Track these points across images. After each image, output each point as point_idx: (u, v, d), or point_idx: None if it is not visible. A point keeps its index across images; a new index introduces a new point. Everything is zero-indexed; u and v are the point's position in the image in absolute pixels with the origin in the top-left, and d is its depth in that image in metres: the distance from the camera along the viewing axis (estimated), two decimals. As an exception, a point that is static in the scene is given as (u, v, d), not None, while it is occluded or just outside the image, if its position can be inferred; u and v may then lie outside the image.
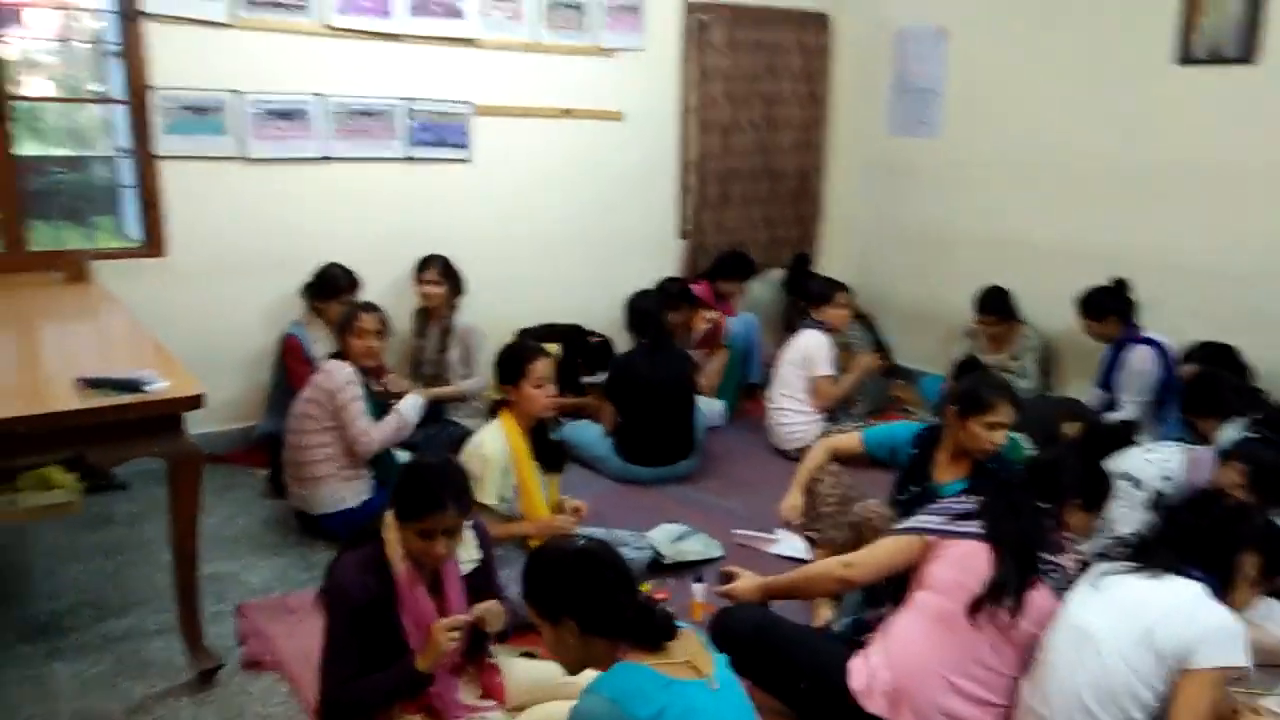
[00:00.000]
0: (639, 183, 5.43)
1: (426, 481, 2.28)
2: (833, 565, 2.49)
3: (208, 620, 2.84)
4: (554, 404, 3.25)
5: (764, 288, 6.02)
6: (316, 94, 4.39)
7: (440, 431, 4.38)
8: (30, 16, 4.12)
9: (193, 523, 2.59)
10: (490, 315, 4.80)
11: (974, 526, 2.33)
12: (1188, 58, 4.33)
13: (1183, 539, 2.21)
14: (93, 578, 3.27)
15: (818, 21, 5.82)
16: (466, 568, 2.47)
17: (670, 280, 5.06)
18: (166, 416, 2.48)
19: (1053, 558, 2.33)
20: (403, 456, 3.99)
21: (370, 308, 3.70)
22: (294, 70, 4.34)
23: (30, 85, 4.20)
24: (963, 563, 2.30)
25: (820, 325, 4.72)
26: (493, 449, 3.06)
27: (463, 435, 4.43)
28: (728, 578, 2.69)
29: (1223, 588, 2.16)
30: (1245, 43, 4.11)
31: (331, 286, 4.24)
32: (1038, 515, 2.38)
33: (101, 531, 3.60)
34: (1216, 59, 4.22)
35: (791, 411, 4.64)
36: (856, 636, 2.53)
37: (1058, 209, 4.99)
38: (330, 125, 4.45)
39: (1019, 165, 5.14)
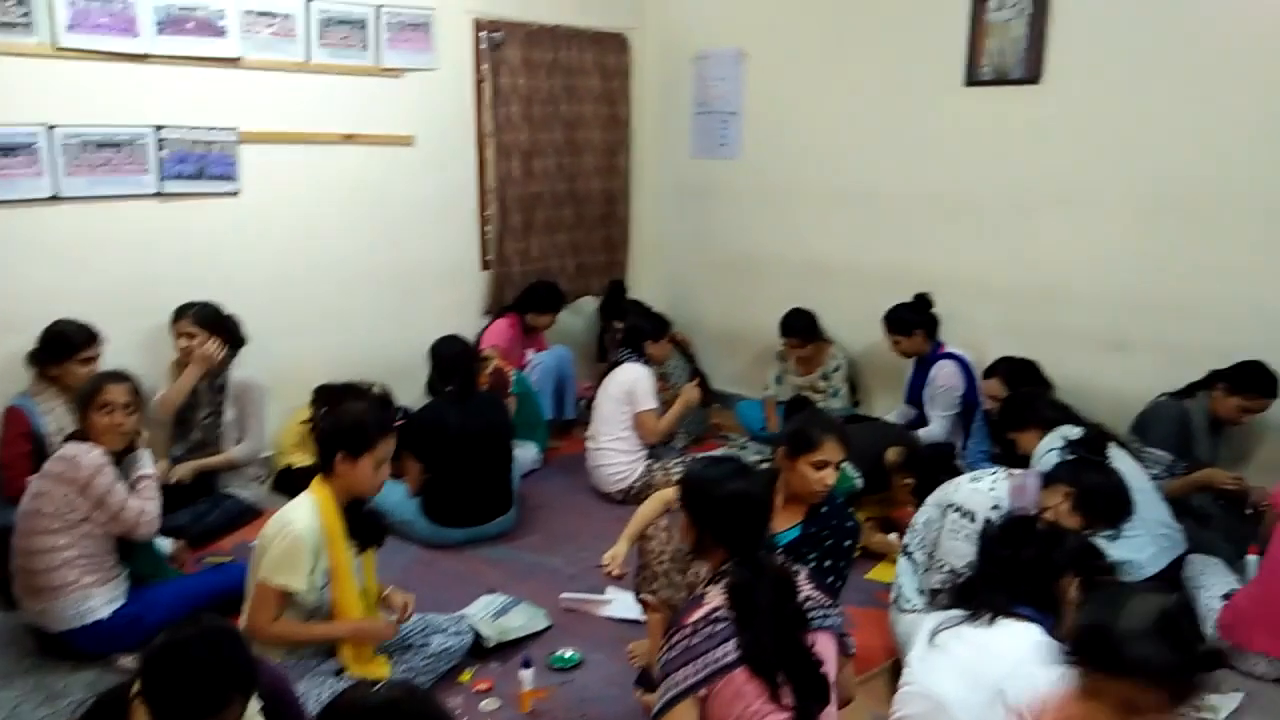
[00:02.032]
0: (435, 212, 5.03)
1: (195, 685, 1.65)
2: None
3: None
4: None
5: (575, 318, 5.77)
6: (44, 124, 3.74)
7: (213, 507, 3.85)
8: None
9: None
10: (273, 367, 4.28)
11: (731, 650, 1.99)
12: (975, 79, 4.43)
13: (1005, 575, 2.15)
14: None
15: (616, 42, 5.63)
16: None
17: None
18: None
19: (811, 598, 2.14)
20: (165, 545, 3.43)
21: (118, 377, 3.12)
22: (16, 98, 3.67)
23: None
24: (739, 697, 1.99)
25: (640, 357, 4.51)
26: (305, 527, 2.61)
27: (241, 510, 3.95)
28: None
29: (1053, 620, 2.11)
30: (1030, 63, 4.24)
31: (64, 346, 3.56)
32: (785, 593, 2.09)
33: None
34: (1003, 80, 4.34)
35: (613, 450, 4.40)
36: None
37: (858, 229, 5.02)
38: (62, 160, 3.80)
39: (819, 187, 5.14)
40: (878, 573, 3.64)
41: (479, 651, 3.02)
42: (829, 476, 2.71)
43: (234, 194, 4.29)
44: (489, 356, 4.62)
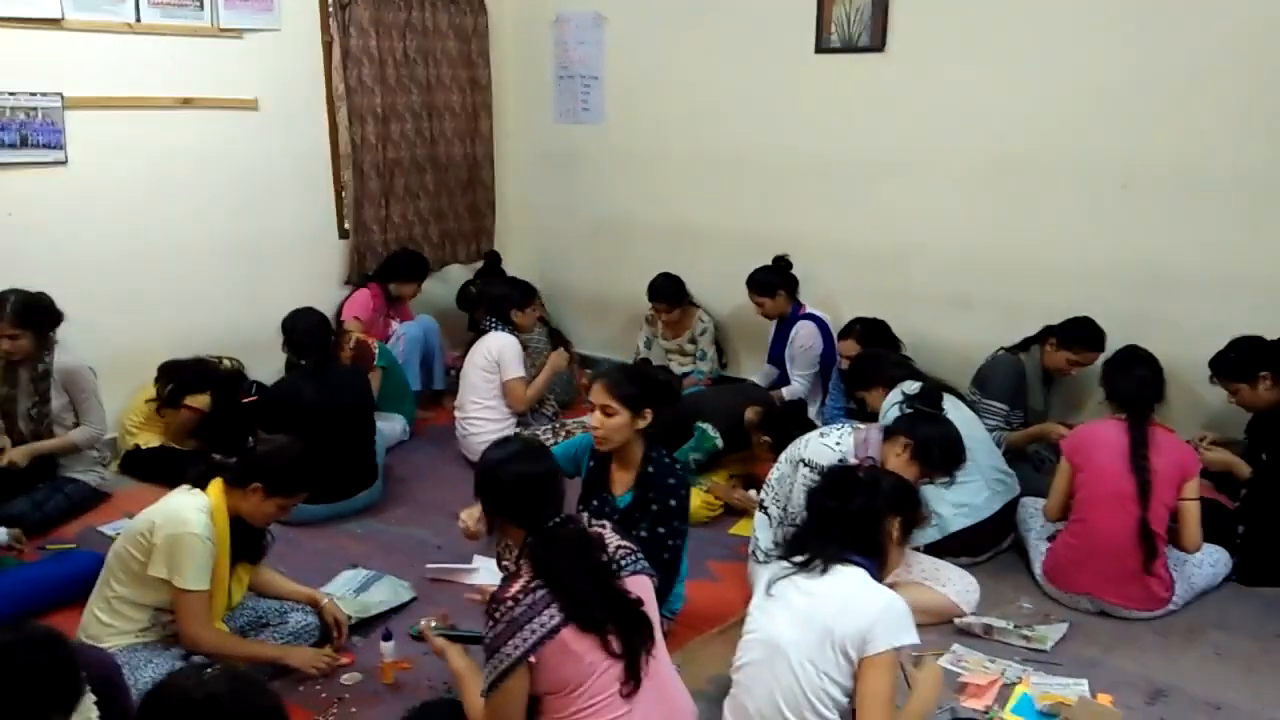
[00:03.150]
0: (286, 179, 4.85)
1: (12, 698, 1.57)
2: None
3: None
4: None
5: (443, 286, 5.68)
6: None
7: (54, 493, 3.65)
8: None
9: None
10: (113, 346, 4.10)
11: (554, 613, 2.01)
12: (825, 47, 4.54)
13: (833, 526, 2.27)
14: None
15: (471, 3, 5.50)
16: None
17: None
18: None
19: (622, 546, 2.20)
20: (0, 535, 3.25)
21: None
22: None
23: None
24: (569, 655, 2.01)
25: (506, 326, 4.48)
26: (202, 526, 2.55)
27: (86, 495, 3.77)
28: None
29: (879, 563, 2.26)
30: (875, 32, 4.36)
31: None
32: (585, 552, 2.12)
33: None
34: (850, 48, 4.45)
35: (481, 419, 4.37)
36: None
37: (720, 194, 5.10)
38: None
39: (681, 152, 5.19)
40: (740, 528, 3.76)
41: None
42: (594, 419, 2.80)
43: (61, 163, 4.03)
44: (350, 329, 4.51)
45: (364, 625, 3.02)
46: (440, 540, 3.67)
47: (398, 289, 5.08)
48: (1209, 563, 3.24)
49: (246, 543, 2.73)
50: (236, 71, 4.54)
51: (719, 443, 4.01)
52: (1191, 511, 3.13)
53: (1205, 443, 3.62)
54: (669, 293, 4.97)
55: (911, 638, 2.12)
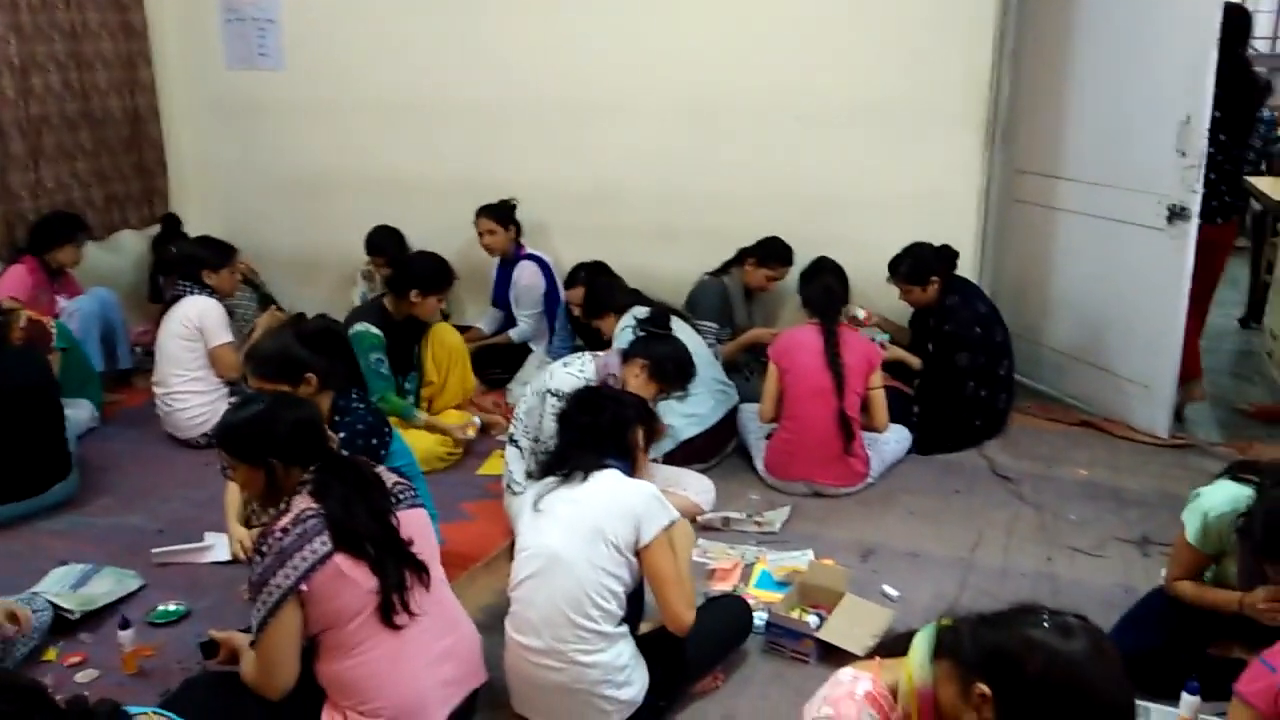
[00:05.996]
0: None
1: None
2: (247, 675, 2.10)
3: None
4: None
5: (115, 256, 5.09)
6: None
7: None
8: None
9: None
10: None
11: (326, 540, 2.00)
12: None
13: (589, 439, 2.43)
14: None
15: (115, -63, 4.92)
16: None
17: None
18: None
19: (399, 483, 2.24)
20: None
21: None
22: None
23: None
24: (343, 580, 2.00)
25: (202, 289, 4.12)
26: None
27: None
28: (213, 649, 2.29)
29: (630, 465, 2.45)
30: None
31: None
32: (360, 479, 2.14)
33: None
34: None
35: (189, 393, 4.01)
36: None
37: (425, 141, 4.99)
38: None
39: (376, 97, 5.01)
40: (488, 468, 3.80)
41: (63, 627, 2.67)
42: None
43: None
44: (14, 309, 3.92)
45: (91, 619, 2.73)
46: (160, 524, 3.37)
47: (56, 258, 4.46)
48: (894, 439, 3.77)
49: None
50: None
51: (371, 329, 3.85)
52: (878, 398, 3.62)
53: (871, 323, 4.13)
54: (388, 245, 4.82)
55: (672, 515, 2.31)
